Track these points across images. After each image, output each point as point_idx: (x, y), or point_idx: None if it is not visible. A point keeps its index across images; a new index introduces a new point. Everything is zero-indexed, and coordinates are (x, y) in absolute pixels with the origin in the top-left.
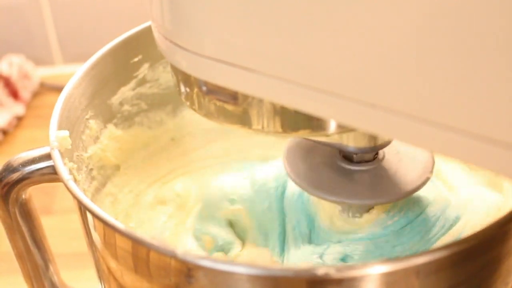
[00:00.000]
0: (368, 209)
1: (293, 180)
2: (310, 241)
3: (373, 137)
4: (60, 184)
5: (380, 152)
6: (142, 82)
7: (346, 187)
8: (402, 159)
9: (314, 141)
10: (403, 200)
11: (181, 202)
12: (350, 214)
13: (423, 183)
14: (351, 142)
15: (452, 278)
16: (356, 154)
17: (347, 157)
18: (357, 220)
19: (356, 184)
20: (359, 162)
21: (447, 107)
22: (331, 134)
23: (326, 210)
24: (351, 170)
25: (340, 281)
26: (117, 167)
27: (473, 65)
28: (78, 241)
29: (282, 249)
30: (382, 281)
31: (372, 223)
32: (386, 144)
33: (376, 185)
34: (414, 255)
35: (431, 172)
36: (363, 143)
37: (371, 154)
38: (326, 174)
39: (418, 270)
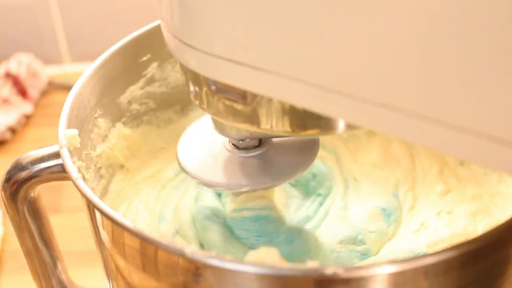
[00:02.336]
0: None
1: (181, 168)
2: None
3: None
4: (68, 182)
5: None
6: (151, 81)
7: (227, 173)
8: (287, 146)
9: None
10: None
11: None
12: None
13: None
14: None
15: (460, 279)
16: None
17: (235, 144)
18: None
19: (243, 171)
20: (245, 149)
21: (457, 107)
22: (341, 134)
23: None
24: (238, 157)
25: (348, 280)
26: (124, 166)
27: (483, 65)
28: (85, 240)
29: None
30: (391, 281)
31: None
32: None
33: (263, 170)
34: (423, 255)
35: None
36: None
37: (255, 141)
38: (213, 161)
39: (426, 271)
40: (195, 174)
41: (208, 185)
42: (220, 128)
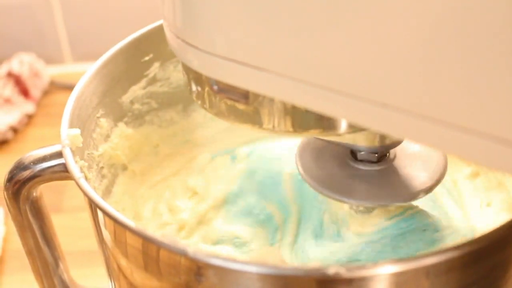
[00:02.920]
0: (373, 209)
1: (304, 179)
2: (316, 235)
3: (381, 137)
4: (69, 182)
5: (392, 152)
6: (153, 81)
7: (354, 187)
8: (414, 160)
9: (326, 141)
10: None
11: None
12: (359, 213)
13: (431, 188)
14: (361, 142)
15: (462, 279)
16: (360, 152)
17: (359, 157)
18: (365, 217)
19: (364, 184)
20: (368, 162)
21: (459, 106)
22: (342, 134)
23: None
24: (360, 169)
25: (350, 280)
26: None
27: (485, 64)
28: (87, 239)
29: (292, 241)
30: (392, 281)
31: (376, 224)
32: (394, 145)
33: (383, 186)
34: (424, 255)
35: (442, 176)
36: (371, 143)
37: (376, 155)
38: (335, 173)
39: (428, 271)
40: (325, 190)
41: (342, 201)
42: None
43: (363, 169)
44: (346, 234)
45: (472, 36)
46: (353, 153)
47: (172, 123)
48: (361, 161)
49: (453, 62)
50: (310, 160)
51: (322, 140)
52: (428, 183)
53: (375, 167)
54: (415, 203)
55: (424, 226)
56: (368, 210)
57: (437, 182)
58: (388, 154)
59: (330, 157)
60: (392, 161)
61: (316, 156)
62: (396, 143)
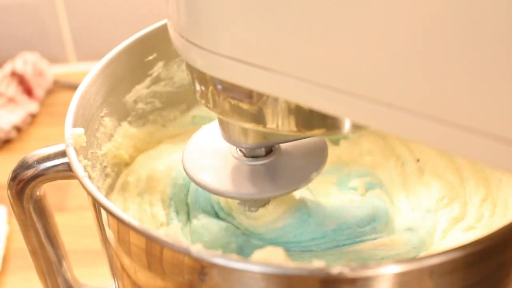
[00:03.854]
0: (263, 204)
1: (192, 180)
2: None
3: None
4: (73, 181)
5: (277, 146)
6: (157, 80)
7: (238, 181)
8: (298, 153)
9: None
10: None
11: None
12: (246, 208)
13: (311, 179)
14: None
15: (466, 279)
16: (246, 149)
17: (243, 152)
18: (253, 214)
19: (249, 178)
20: (253, 157)
21: (463, 107)
22: (346, 133)
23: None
24: (247, 165)
25: (354, 280)
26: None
27: (490, 65)
28: (90, 238)
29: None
30: (396, 281)
31: (269, 219)
32: (275, 142)
33: (267, 180)
34: (428, 255)
35: (323, 166)
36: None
37: (261, 150)
38: (222, 169)
39: (432, 271)
40: (201, 182)
41: (215, 193)
42: (227, 136)
43: (249, 164)
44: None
45: (476, 37)
46: (237, 149)
47: (176, 122)
48: (248, 157)
49: (458, 62)
50: (197, 160)
51: (206, 139)
52: (310, 174)
53: (259, 162)
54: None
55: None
56: (254, 205)
57: (317, 172)
58: (273, 148)
59: (214, 154)
60: (279, 155)
61: (201, 155)
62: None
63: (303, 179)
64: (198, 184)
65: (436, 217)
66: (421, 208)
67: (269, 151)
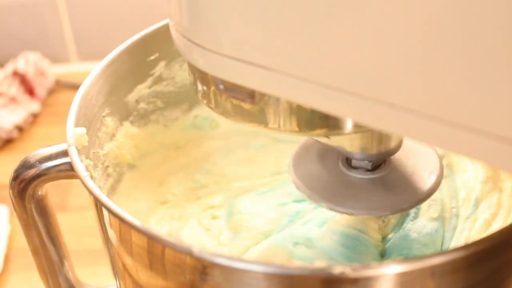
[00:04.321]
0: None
1: (299, 189)
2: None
3: (377, 145)
4: (74, 181)
5: (387, 160)
6: (158, 80)
7: (351, 196)
8: (411, 166)
9: (321, 149)
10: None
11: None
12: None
13: (432, 192)
14: (356, 149)
15: (467, 279)
16: (357, 160)
17: (354, 165)
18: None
19: (361, 193)
20: (363, 170)
21: (466, 106)
22: (348, 133)
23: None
24: (357, 178)
25: (355, 280)
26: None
27: (493, 65)
28: (92, 238)
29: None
30: (397, 281)
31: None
32: (389, 153)
33: (382, 195)
34: (430, 255)
35: (440, 177)
36: (369, 151)
37: (370, 163)
38: (332, 182)
39: (433, 271)
40: (316, 198)
41: (333, 210)
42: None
43: (357, 177)
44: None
45: (478, 37)
46: (348, 160)
47: (178, 122)
48: (356, 168)
49: (459, 62)
50: (304, 170)
51: (316, 147)
52: (422, 194)
53: (370, 175)
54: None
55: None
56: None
57: (431, 193)
58: (384, 163)
59: (325, 165)
60: (388, 169)
61: (310, 165)
62: (392, 152)
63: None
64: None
65: None
66: None
67: (378, 165)
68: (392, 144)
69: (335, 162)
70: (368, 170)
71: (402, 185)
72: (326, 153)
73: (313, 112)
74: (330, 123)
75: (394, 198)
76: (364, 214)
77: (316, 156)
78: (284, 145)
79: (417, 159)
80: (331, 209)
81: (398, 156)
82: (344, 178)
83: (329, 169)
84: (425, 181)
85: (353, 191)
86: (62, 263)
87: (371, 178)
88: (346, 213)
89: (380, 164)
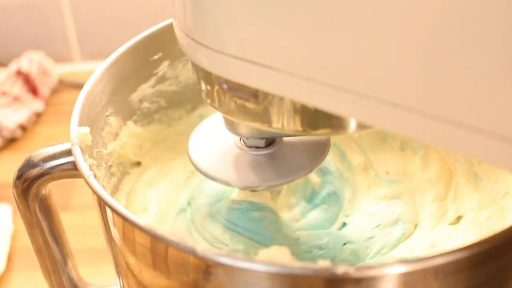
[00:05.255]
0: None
1: (195, 166)
2: None
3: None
4: (77, 180)
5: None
6: (162, 79)
7: (239, 171)
8: (299, 143)
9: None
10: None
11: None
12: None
13: (305, 174)
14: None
15: (471, 280)
16: (247, 139)
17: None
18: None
19: (249, 168)
20: (256, 148)
21: (470, 107)
22: (352, 133)
23: None
24: (251, 155)
25: (359, 280)
26: (136, 164)
27: (497, 65)
28: (95, 237)
29: None
30: (401, 281)
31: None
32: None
33: (266, 170)
34: (433, 255)
35: (320, 162)
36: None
37: (263, 141)
38: (224, 158)
39: (437, 271)
40: (206, 171)
41: (219, 182)
42: (231, 127)
43: (251, 154)
44: None
45: (482, 37)
46: (241, 140)
47: (181, 121)
48: (249, 146)
49: (462, 62)
50: (201, 147)
51: (211, 129)
52: (306, 169)
53: (262, 152)
54: None
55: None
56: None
57: (312, 168)
58: (275, 140)
59: (219, 144)
60: (279, 146)
61: (206, 143)
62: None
63: (302, 169)
64: (203, 172)
65: None
66: None
67: (270, 142)
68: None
69: (230, 141)
70: (260, 148)
71: (290, 159)
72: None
73: (317, 112)
74: (334, 123)
75: (283, 170)
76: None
77: (213, 136)
78: None
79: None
80: (227, 184)
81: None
82: (239, 156)
83: (224, 148)
84: (312, 155)
85: (246, 167)
86: (65, 262)
87: (263, 154)
88: (240, 187)
89: (273, 142)
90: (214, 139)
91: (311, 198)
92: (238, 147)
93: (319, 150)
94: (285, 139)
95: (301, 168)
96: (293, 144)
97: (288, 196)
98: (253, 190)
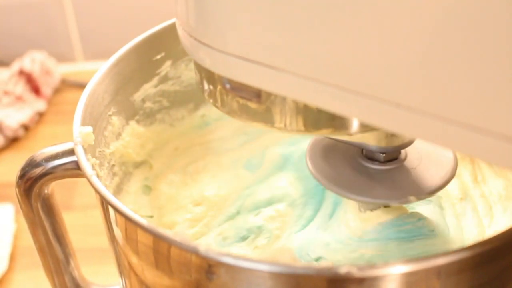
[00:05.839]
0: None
1: (316, 179)
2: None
3: (395, 137)
4: (79, 180)
5: (402, 152)
6: (165, 79)
7: (365, 185)
8: (424, 160)
9: (336, 140)
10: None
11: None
12: (362, 210)
13: (444, 185)
14: (372, 142)
15: (473, 280)
16: (381, 153)
17: (369, 156)
18: (368, 214)
19: (376, 183)
20: (382, 162)
21: (473, 107)
22: (354, 133)
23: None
24: (372, 169)
25: (361, 280)
26: (138, 163)
27: (501, 65)
28: (97, 237)
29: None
30: (403, 281)
31: (383, 221)
32: (407, 144)
33: (395, 185)
34: (436, 255)
35: (454, 173)
36: (384, 143)
37: (383, 155)
38: (347, 172)
39: (439, 271)
40: (336, 189)
41: (349, 198)
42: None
43: (372, 167)
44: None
45: (485, 37)
46: (363, 152)
47: (184, 121)
48: (371, 159)
49: (465, 62)
50: (320, 160)
51: (331, 139)
52: (434, 186)
53: (385, 166)
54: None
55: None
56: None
57: (444, 185)
58: (399, 154)
59: (340, 156)
60: (403, 161)
61: (325, 156)
62: (406, 145)
63: (418, 193)
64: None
65: None
66: None
67: (392, 158)
68: (405, 139)
69: (349, 153)
70: (381, 162)
71: (411, 178)
72: (337, 145)
73: (320, 112)
74: (337, 123)
75: (401, 190)
76: (368, 201)
77: (329, 148)
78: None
79: (432, 154)
80: (347, 197)
81: (414, 149)
82: (359, 169)
83: (343, 160)
84: (434, 177)
85: (366, 181)
86: (67, 262)
87: (383, 169)
88: (360, 200)
89: (396, 157)
90: (332, 152)
91: None
92: (360, 160)
93: (445, 172)
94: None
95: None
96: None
97: None
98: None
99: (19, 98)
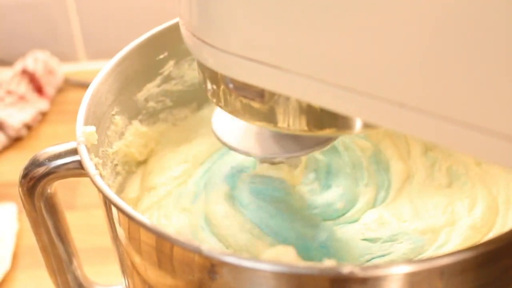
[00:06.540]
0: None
1: (218, 139)
2: None
3: None
4: (82, 180)
5: None
6: (168, 79)
7: (264, 143)
8: None
9: None
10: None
11: None
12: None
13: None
14: None
15: (476, 280)
16: None
17: None
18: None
19: (273, 140)
20: None
21: (476, 107)
22: (357, 133)
23: None
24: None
25: (364, 280)
26: (140, 163)
27: (504, 66)
28: (100, 236)
29: None
30: (406, 281)
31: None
32: None
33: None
34: (439, 256)
35: None
36: None
37: None
38: (247, 132)
39: (442, 271)
40: (227, 142)
41: (240, 152)
42: None
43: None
44: None
45: (489, 37)
46: None
47: (186, 121)
48: None
49: (469, 62)
50: (226, 122)
51: None
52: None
53: None
54: None
55: None
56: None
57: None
58: None
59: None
60: None
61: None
62: None
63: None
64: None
65: None
66: None
67: None
68: None
69: None
70: None
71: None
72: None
73: (323, 112)
74: (340, 123)
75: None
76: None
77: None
78: None
79: None
80: (247, 154)
81: None
82: (262, 130)
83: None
84: None
85: (268, 139)
86: (70, 261)
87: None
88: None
89: None
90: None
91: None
92: None
93: None
94: None
95: (320, 141)
96: None
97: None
98: (272, 162)
99: (22, 98)
